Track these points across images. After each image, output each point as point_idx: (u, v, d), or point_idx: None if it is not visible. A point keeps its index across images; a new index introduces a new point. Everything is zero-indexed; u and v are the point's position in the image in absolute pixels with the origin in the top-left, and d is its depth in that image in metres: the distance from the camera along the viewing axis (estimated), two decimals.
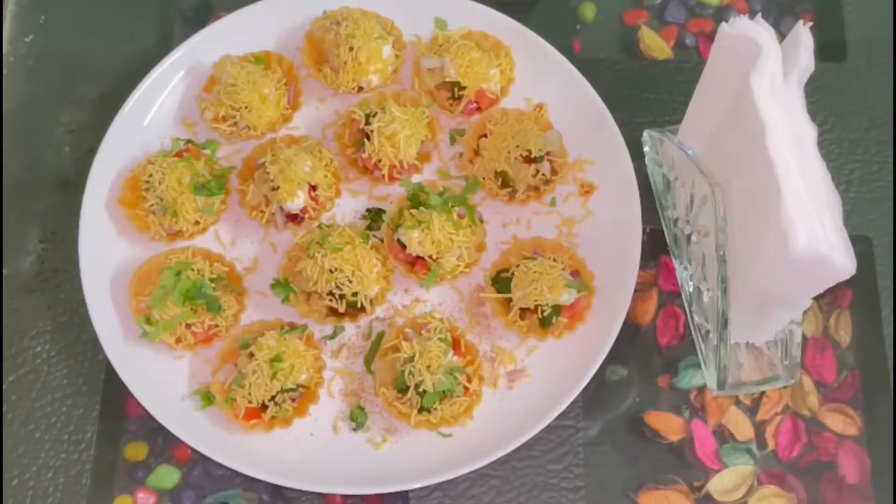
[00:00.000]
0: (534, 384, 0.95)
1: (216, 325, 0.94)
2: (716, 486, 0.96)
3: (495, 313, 0.96)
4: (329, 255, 0.92)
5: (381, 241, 0.98)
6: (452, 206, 0.96)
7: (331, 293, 0.93)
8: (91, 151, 1.00)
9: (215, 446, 0.91)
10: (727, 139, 0.86)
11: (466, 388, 0.91)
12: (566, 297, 0.93)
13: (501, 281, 0.96)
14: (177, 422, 0.92)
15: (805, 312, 0.86)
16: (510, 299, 0.95)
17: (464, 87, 1.01)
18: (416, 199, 0.97)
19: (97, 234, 0.98)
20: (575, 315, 0.94)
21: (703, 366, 0.97)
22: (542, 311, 0.93)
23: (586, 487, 0.95)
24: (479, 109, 1.03)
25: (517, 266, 0.95)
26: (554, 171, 1.00)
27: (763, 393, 0.98)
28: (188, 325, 0.93)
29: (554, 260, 0.95)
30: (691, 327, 0.99)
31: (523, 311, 0.95)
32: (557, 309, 0.93)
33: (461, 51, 1.00)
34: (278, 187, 0.96)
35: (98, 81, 1.09)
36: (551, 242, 0.98)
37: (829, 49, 1.11)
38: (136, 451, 0.96)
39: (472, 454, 0.91)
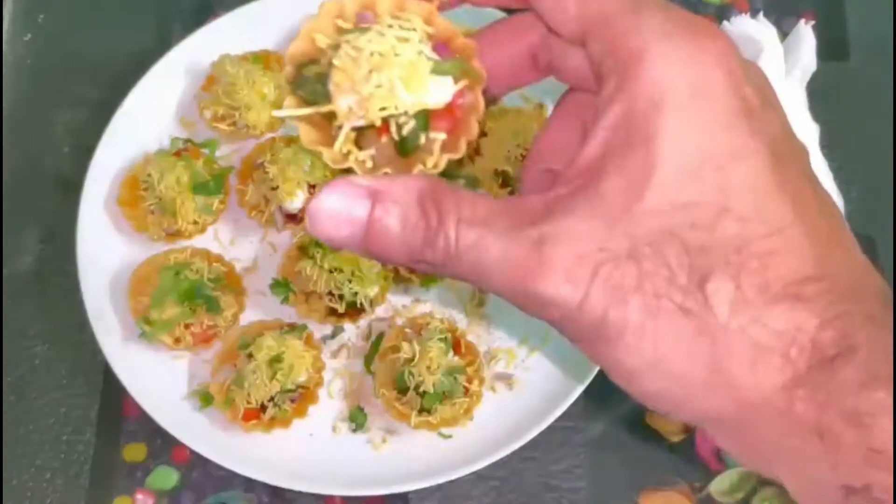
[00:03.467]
0: (534, 385, 0.95)
1: (215, 326, 0.94)
2: (717, 487, 0.95)
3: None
4: (328, 255, 0.92)
5: None
6: None
7: (330, 293, 0.93)
8: (91, 151, 1.00)
9: (214, 447, 0.91)
10: None
11: (466, 389, 0.91)
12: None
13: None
14: (175, 423, 0.91)
15: None
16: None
17: None
18: None
19: (96, 234, 0.98)
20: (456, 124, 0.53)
21: None
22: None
23: (587, 488, 0.94)
24: None
25: None
26: None
27: None
28: (187, 326, 0.93)
29: None
30: None
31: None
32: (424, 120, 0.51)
33: None
34: (277, 187, 0.95)
35: (98, 81, 1.08)
36: None
37: (831, 48, 1.10)
38: (135, 451, 0.95)
39: (473, 455, 0.91)
